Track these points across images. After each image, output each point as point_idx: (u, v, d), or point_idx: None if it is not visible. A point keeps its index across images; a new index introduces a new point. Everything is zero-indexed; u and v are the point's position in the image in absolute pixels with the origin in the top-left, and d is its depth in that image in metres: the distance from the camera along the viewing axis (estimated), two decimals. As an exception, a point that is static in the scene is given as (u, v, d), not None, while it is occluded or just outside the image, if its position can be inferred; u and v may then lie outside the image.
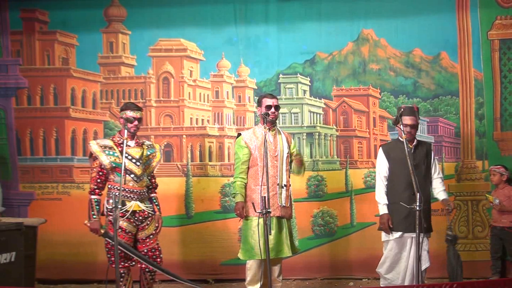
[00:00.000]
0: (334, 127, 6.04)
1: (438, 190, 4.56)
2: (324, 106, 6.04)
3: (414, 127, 4.47)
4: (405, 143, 4.07)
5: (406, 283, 4.34)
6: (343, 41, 5.95)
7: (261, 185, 4.27)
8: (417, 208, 3.83)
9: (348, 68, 6.00)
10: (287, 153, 4.56)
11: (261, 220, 4.22)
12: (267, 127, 4.35)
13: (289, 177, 4.61)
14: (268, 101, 4.54)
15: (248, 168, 4.56)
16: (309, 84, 6.03)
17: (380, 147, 4.70)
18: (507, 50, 5.76)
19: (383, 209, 4.47)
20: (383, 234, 4.53)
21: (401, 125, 4.21)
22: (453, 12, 5.77)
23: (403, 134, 4.15)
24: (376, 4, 5.87)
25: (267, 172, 4.18)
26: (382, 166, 4.58)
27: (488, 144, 5.79)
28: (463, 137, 5.82)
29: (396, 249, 4.43)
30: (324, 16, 5.90)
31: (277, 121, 4.81)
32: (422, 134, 5.95)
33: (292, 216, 4.68)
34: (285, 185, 4.49)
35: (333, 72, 6.01)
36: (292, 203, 4.69)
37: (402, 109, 4.32)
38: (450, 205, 4.49)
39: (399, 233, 4.40)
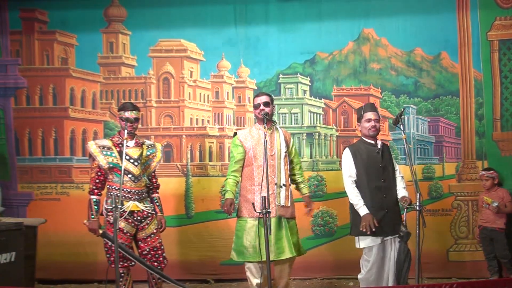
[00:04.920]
0: (334, 127, 6.05)
1: (399, 188, 4.42)
2: (324, 106, 6.04)
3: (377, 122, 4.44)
4: (405, 143, 4.06)
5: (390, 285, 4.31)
6: (343, 40, 5.95)
7: (261, 185, 4.20)
8: (417, 208, 3.82)
9: (348, 68, 6.00)
10: (285, 152, 4.50)
11: (257, 221, 4.30)
12: (267, 127, 4.33)
13: (289, 176, 4.55)
14: (256, 100, 4.53)
15: (243, 167, 4.52)
16: (309, 84, 6.03)
17: (347, 148, 4.53)
18: (507, 51, 5.78)
19: (363, 210, 4.27)
20: (362, 241, 4.36)
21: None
22: (453, 12, 5.80)
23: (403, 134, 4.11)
24: (377, 3, 5.88)
25: (267, 172, 4.15)
26: (351, 169, 4.41)
27: (487, 144, 5.80)
28: (464, 137, 5.83)
29: (381, 253, 4.33)
30: (325, 15, 5.91)
31: (276, 120, 4.79)
32: (423, 134, 5.96)
33: (294, 215, 4.56)
34: (284, 185, 4.42)
35: (334, 71, 6.02)
36: (293, 202, 4.58)
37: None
38: (407, 201, 4.27)
39: (379, 238, 4.28)
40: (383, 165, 4.34)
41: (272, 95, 5.92)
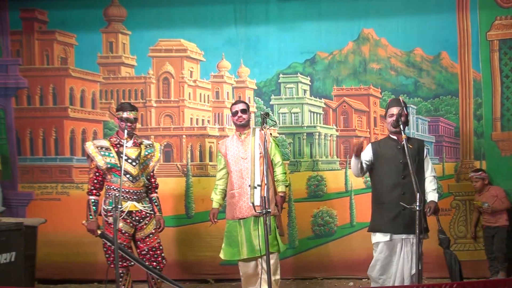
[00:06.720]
0: (334, 127, 6.05)
1: (427, 190, 4.30)
2: (324, 106, 6.04)
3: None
4: (405, 144, 3.97)
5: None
6: (343, 40, 5.95)
7: (262, 185, 4.29)
8: (417, 208, 3.78)
9: (348, 68, 6.00)
10: (260, 153, 4.56)
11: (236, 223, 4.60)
12: (242, 132, 4.54)
13: (268, 176, 4.47)
14: (234, 108, 4.71)
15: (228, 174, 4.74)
16: (309, 83, 6.03)
17: (370, 143, 4.53)
18: (508, 50, 5.77)
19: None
20: (372, 236, 4.36)
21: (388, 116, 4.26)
22: (453, 12, 5.79)
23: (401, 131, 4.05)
24: (377, 3, 5.88)
25: (267, 172, 4.20)
26: (365, 155, 4.35)
27: (486, 145, 5.79)
28: (462, 137, 5.83)
29: (387, 252, 4.27)
30: (325, 15, 5.91)
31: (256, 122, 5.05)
32: (423, 134, 5.96)
33: (272, 213, 4.51)
34: (258, 185, 4.45)
35: (334, 71, 6.01)
36: (271, 201, 4.55)
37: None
38: (430, 209, 4.18)
39: (388, 235, 4.24)
40: (404, 162, 4.14)
41: (272, 95, 6.00)
